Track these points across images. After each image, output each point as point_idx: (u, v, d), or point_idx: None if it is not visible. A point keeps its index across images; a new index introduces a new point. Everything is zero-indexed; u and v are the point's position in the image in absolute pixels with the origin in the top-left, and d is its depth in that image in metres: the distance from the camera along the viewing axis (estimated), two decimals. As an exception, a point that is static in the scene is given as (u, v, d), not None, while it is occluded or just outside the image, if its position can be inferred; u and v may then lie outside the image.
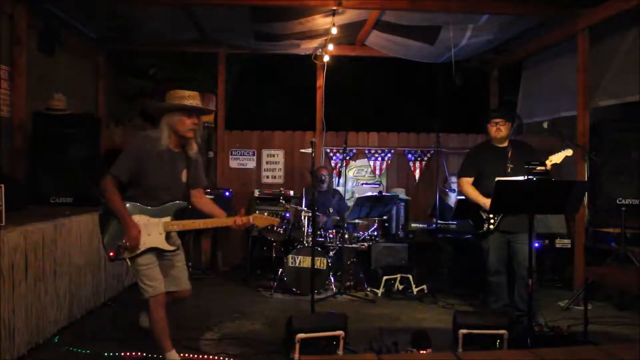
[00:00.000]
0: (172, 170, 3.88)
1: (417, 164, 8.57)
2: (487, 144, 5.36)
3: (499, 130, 5.15)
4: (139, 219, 3.78)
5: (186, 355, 4.25)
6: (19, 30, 5.79)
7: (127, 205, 3.78)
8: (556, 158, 4.65)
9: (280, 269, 6.41)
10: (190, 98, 3.83)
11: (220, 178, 8.32)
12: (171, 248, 3.90)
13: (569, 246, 6.88)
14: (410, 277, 6.55)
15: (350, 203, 7.26)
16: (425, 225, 7.23)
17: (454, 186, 7.30)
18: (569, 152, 4.66)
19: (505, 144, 5.19)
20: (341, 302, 6.20)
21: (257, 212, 4.07)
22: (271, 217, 4.04)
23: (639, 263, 5.78)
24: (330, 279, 6.47)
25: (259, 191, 7.93)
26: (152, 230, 3.81)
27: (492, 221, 5.06)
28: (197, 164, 4.08)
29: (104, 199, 3.80)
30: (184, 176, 3.95)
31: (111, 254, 3.76)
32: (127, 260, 3.78)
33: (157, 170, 3.79)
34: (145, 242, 3.79)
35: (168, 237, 3.89)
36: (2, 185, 4.07)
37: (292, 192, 7.90)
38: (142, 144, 3.81)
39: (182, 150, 3.94)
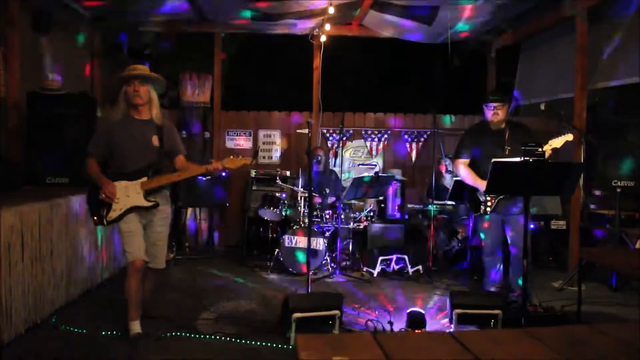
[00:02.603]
0: (141, 137, 4.14)
1: (414, 145, 8.57)
2: (483, 125, 5.33)
3: (496, 114, 5.10)
4: (118, 183, 4.08)
5: (183, 334, 4.29)
6: (12, 9, 5.72)
7: (108, 176, 4.10)
8: (557, 142, 4.63)
9: (277, 250, 6.44)
10: (134, 69, 4.13)
11: (216, 158, 8.25)
12: (149, 204, 4.12)
13: (564, 228, 6.92)
14: (406, 257, 6.59)
15: (346, 184, 7.26)
16: (421, 206, 7.25)
17: (450, 167, 7.29)
18: (569, 136, 4.64)
19: (503, 126, 5.17)
20: (337, 282, 6.24)
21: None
22: (243, 158, 4.19)
23: (632, 245, 5.82)
24: (326, 259, 6.50)
25: (255, 172, 7.92)
26: (131, 191, 4.08)
27: (489, 203, 5.07)
28: (170, 132, 4.33)
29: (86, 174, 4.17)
30: (154, 140, 4.17)
31: (95, 218, 4.10)
32: (105, 222, 4.06)
33: (124, 139, 4.10)
34: (126, 203, 4.06)
35: (147, 195, 4.12)
36: (-2, 166, 4.07)
37: (288, 173, 7.90)
38: (106, 119, 4.26)
39: (151, 117, 4.20)
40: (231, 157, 4.17)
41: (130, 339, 4.03)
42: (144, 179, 4.10)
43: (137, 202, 4.07)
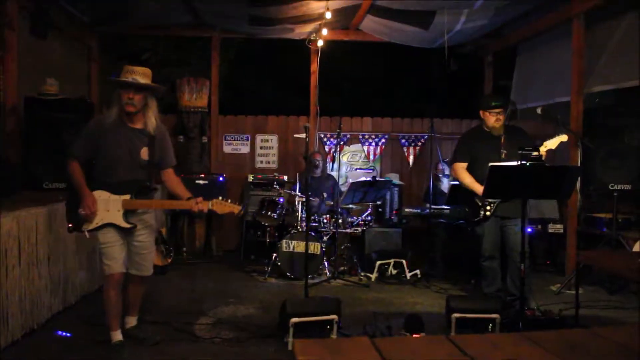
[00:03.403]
0: (129, 147, 3.94)
1: (411, 149, 8.58)
2: (479, 130, 5.33)
3: (499, 119, 5.09)
4: (100, 194, 3.91)
5: (181, 339, 4.28)
6: (10, 13, 5.71)
7: (91, 181, 3.92)
8: (551, 144, 4.64)
9: (274, 254, 6.43)
10: (131, 73, 3.88)
11: (214, 163, 8.30)
12: (127, 226, 3.95)
13: (562, 231, 6.93)
14: (404, 262, 6.58)
15: (344, 188, 7.27)
16: (418, 211, 7.26)
17: (447, 172, 7.30)
18: (563, 137, 4.65)
19: (500, 130, 5.17)
20: (335, 286, 6.23)
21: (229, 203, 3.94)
22: (233, 205, 3.95)
23: (630, 248, 5.82)
24: (324, 264, 6.50)
25: (252, 176, 7.93)
26: (111, 206, 3.91)
27: (488, 208, 5.06)
28: (162, 142, 4.10)
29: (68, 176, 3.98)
30: (144, 153, 3.99)
31: (70, 225, 3.95)
32: (86, 232, 3.91)
33: (112, 146, 3.91)
34: (104, 217, 3.90)
35: (126, 214, 3.94)
36: (-5, 171, 4.06)
37: (285, 177, 7.90)
38: (97, 122, 3.98)
39: (144, 127, 4.00)
40: (220, 198, 3.97)
41: (112, 345, 3.99)
42: (128, 196, 3.92)
43: (114, 220, 3.90)
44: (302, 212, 6.62)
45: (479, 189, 4.93)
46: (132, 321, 4.31)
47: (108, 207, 3.90)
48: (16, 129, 5.80)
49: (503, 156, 4.96)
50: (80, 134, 4.02)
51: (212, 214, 7.91)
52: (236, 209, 3.94)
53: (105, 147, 3.91)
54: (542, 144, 4.58)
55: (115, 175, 3.93)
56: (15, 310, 4.03)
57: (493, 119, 5.10)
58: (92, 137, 3.94)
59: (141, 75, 3.92)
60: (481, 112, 5.20)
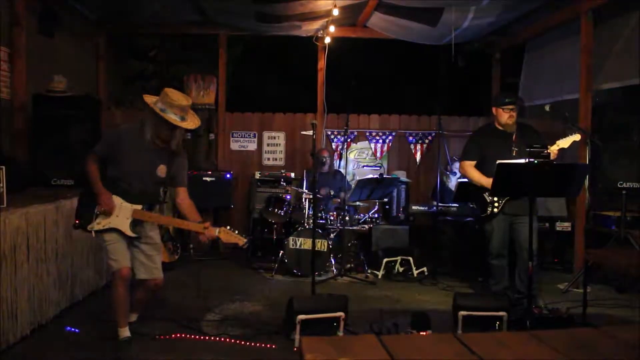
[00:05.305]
0: (148, 163, 3.96)
1: (418, 146, 8.56)
2: (490, 128, 5.32)
3: (512, 116, 5.09)
4: (114, 198, 3.93)
5: (188, 336, 4.29)
6: (18, 11, 5.74)
7: (104, 185, 3.95)
8: (564, 143, 4.63)
9: (281, 251, 6.44)
10: (180, 110, 3.81)
11: (221, 160, 8.32)
12: (132, 235, 3.96)
13: (570, 229, 6.90)
14: (411, 259, 6.58)
15: (351, 184, 7.26)
16: (425, 208, 7.24)
17: (455, 169, 7.29)
18: (577, 137, 4.63)
19: (513, 128, 5.16)
20: (342, 284, 6.24)
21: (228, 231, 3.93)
22: (238, 236, 3.93)
23: (638, 246, 5.79)
24: (331, 261, 6.50)
25: (259, 173, 7.93)
26: (122, 213, 3.93)
27: (496, 204, 5.05)
28: (180, 163, 4.12)
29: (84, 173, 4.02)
30: (161, 171, 4.01)
31: (76, 221, 3.99)
32: (92, 232, 3.93)
33: (132, 159, 3.94)
34: (111, 221, 3.92)
35: (134, 224, 3.96)
36: (3, 167, 4.08)
37: (293, 174, 7.90)
38: (124, 133, 4.00)
39: (167, 146, 3.97)
40: (228, 227, 3.95)
41: (120, 341, 3.98)
42: (139, 207, 3.96)
43: (121, 226, 3.92)
44: (309, 209, 6.62)
45: (487, 181, 4.92)
46: (132, 317, 4.31)
47: (118, 212, 3.93)
48: (25, 126, 5.83)
49: (514, 153, 4.95)
50: (104, 135, 4.14)
51: (219, 212, 8.00)
52: (241, 240, 3.93)
53: (125, 158, 3.94)
54: (554, 143, 4.57)
55: (129, 186, 3.96)
56: (24, 306, 4.05)
57: (506, 116, 5.09)
58: (114, 144, 3.97)
59: (186, 111, 3.89)
60: (494, 109, 5.19)
